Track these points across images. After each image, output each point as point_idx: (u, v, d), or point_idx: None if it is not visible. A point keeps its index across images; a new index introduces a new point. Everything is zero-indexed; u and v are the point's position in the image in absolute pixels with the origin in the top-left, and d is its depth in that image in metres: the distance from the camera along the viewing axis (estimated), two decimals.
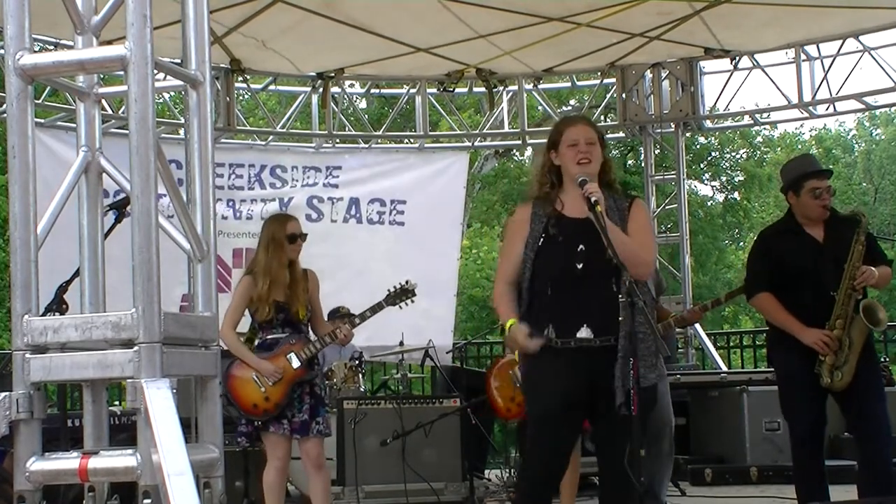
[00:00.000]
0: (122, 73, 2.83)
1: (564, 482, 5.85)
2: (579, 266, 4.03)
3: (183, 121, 8.13)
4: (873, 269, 5.12)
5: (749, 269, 5.53)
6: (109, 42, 3.12)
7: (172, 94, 11.14)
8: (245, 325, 5.70)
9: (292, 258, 5.56)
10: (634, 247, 3.99)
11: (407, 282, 5.95)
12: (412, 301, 5.97)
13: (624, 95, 10.51)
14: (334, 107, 10.74)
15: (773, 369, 5.73)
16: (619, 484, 4.00)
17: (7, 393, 2.81)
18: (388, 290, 5.92)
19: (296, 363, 5.46)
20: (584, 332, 4.01)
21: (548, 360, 4.04)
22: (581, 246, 4.04)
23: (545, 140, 4.35)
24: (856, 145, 32.87)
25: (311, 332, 5.67)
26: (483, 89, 10.69)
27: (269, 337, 5.54)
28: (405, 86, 11.27)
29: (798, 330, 5.14)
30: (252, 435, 5.53)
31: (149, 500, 2.64)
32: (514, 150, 22.37)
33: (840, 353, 5.07)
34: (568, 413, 4.05)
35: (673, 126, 10.69)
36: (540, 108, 13.11)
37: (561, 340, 4.02)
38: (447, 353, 9.49)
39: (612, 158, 4.33)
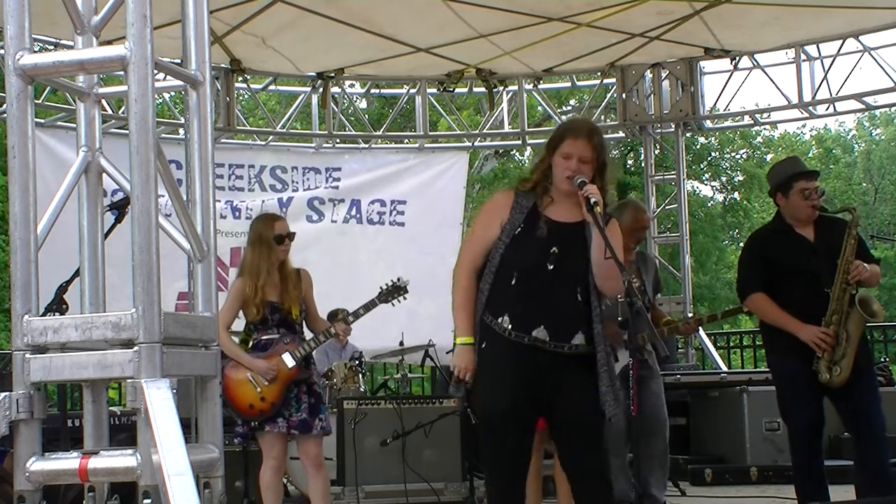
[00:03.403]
0: (122, 73, 2.83)
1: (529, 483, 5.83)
2: (550, 267, 3.99)
3: (183, 121, 8.13)
4: (865, 263, 5.14)
5: (741, 271, 5.52)
6: (109, 42, 3.12)
7: (172, 94, 11.15)
8: (239, 325, 5.69)
9: (281, 258, 5.51)
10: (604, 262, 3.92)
11: (399, 279, 5.91)
12: (405, 298, 5.92)
13: (624, 95, 10.52)
14: (334, 107, 10.74)
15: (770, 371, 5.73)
16: (590, 488, 4.02)
17: (7, 393, 2.81)
18: (381, 288, 5.89)
19: (290, 362, 5.44)
20: (539, 333, 3.97)
21: (499, 354, 4.00)
22: (555, 248, 4.01)
23: (545, 140, 4.33)
24: (856, 145, 32.88)
25: (306, 332, 5.65)
26: (483, 89, 10.69)
27: (263, 338, 5.51)
28: (405, 86, 11.28)
29: (795, 327, 5.15)
30: (248, 435, 5.51)
31: (149, 500, 2.64)
32: (514, 151, 22.39)
33: (837, 347, 5.08)
34: (518, 412, 4.01)
35: (673, 126, 10.69)
36: (540, 108, 13.13)
37: (515, 333, 3.97)
38: (447, 353, 9.48)
39: (609, 181, 4.21)
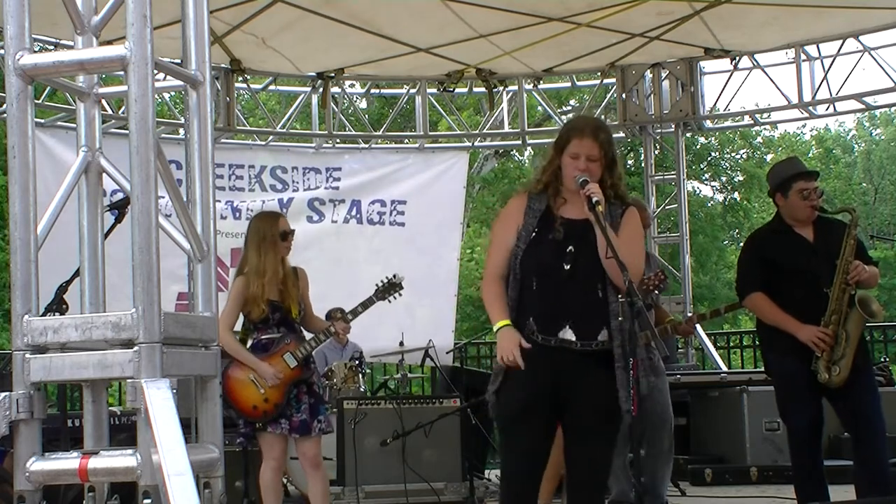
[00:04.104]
0: (122, 73, 2.83)
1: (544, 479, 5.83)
2: (566, 266, 4.00)
3: (183, 121, 8.13)
4: (864, 264, 5.14)
5: (740, 270, 5.53)
6: (109, 42, 3.12)
7: (172, 94, 11.15)
8: (237, 324, 5.68)
9: (284, 255, 5.53)
10: (624, 252, 3.91)
11: (394, 275, 5.96)
12: (400, 294, 5.97)
13: (624, 95, 10.51)
14: (334, 107, 10.74)
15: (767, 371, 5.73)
16: (585, 489, 4.04)
17: (7, 393, 2.81)
18: (377, 285, 5.94)
19: (292, 363, 5.45)
20: (565, 333, 3.98)
21: (526, 356, 3.98)
22: (570, 247, 4.02)
23: (545, 140, 4.35)
24: (856, 145, 32.89)
25: (304, 331, 5.66)
26: (483, 89, 10.69)
27: (264, 337, 5.51)
28: (405, 86, 11.27)
29: (794, 328, 5.15)
30: (251, 435, 5.51)
31: (149, 500, 2.64)
32: (514, 151, 22.41)
33: (837, 347, 5.08)
34: (537, 415, 4.00)
35: (673, 126, 10.68)
36: (540, 108, 13.12)
37: (542, 336, 3.99)
38: (447, 352, 9.49)
39: (620, 175, 4.22)
